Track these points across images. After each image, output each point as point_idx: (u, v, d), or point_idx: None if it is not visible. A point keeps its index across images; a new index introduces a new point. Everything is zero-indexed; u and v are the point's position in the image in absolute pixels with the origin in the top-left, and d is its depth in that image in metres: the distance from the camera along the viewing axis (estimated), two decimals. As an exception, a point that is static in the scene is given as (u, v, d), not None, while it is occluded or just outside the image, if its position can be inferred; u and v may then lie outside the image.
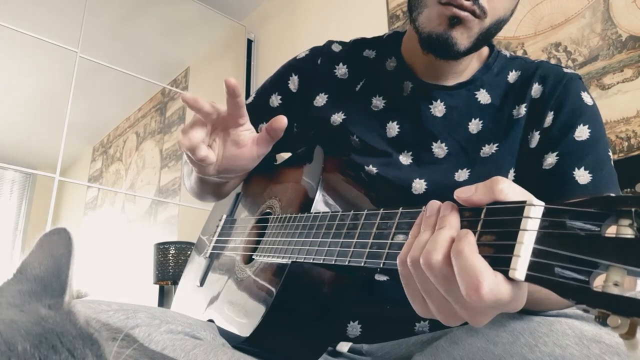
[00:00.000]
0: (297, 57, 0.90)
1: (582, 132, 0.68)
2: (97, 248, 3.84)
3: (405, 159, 0.75)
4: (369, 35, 0.89)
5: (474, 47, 0.70)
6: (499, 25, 0.70)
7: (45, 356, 0.24)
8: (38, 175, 4.26)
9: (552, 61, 1.42)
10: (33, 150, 3.94)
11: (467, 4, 0.65)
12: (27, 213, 4.52)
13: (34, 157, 4.03)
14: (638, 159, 1.32)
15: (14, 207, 4.52)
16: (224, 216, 0.94)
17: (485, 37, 0.70)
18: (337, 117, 0.80)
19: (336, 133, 0.79)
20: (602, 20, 1.50)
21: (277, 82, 0.89)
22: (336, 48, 0.87)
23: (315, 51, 0.88)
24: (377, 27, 2.23)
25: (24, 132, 4.07)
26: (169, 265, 2.62)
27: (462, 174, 0.72)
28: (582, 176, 0.66)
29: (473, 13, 0.66)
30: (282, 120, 0.67)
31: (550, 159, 0.68)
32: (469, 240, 0.37)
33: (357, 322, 0.72)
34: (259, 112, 0.88)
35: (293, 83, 0.87)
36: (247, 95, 2.59)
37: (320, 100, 0.83)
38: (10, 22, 2.47)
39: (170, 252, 2.63)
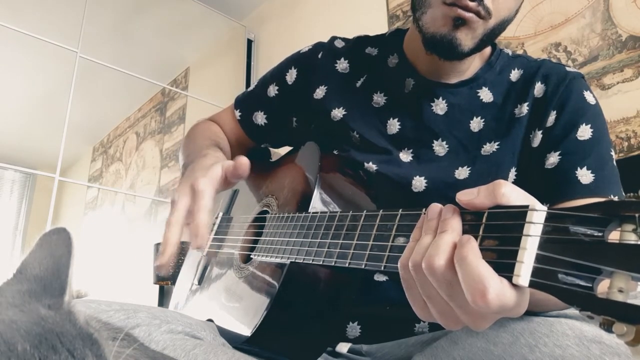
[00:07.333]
0: (300, 51, 0.91)
1: (584, 132, 0.68)
2: (97, 248, 3.83)
3: (405, 157, 0.75)
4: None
5: (478, 48, 0.70)
6: (503, 25, 0.70)
7: (45, 356, 0.24)
8: (38, 175, 4.26)
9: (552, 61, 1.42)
10: (33, 150, 3.94)
11: (472, 5, 0.64)
12: (27, 213, 4.53)
13: (34, 157, 4.02)
14: (638, 159, 1.32)
15: (14, 207, 4.53)
16: (220, 214, 0.94)
17: (489, 38, 0.70)
18: (338, 113, 0.80)
19: (336, 128, 0.79)
20: (602, 20, 1.49)
21: (277, 73, 0.91)
22: (339, 44, 0.88)
23: (317, 46, 0.89)
24: (377, 27, 2.23)
25: (24, 132, 4.07)
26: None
27: (462, 172, 0.72)
28: (585, 176, 0.65)
29: (478, 14, 0.65)
30: (244, 164, 0.64)
31: (553, 159, 0.68)
32: (472, 246, 0.37)
33: (356, 322, 0.72)
34: (257, 101, 0.91)
35: (291, 76, 0.88)
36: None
37: (320, 92, 0.83)
38: (10, 22, 2.46)
39: (170, 252, 2.62)
